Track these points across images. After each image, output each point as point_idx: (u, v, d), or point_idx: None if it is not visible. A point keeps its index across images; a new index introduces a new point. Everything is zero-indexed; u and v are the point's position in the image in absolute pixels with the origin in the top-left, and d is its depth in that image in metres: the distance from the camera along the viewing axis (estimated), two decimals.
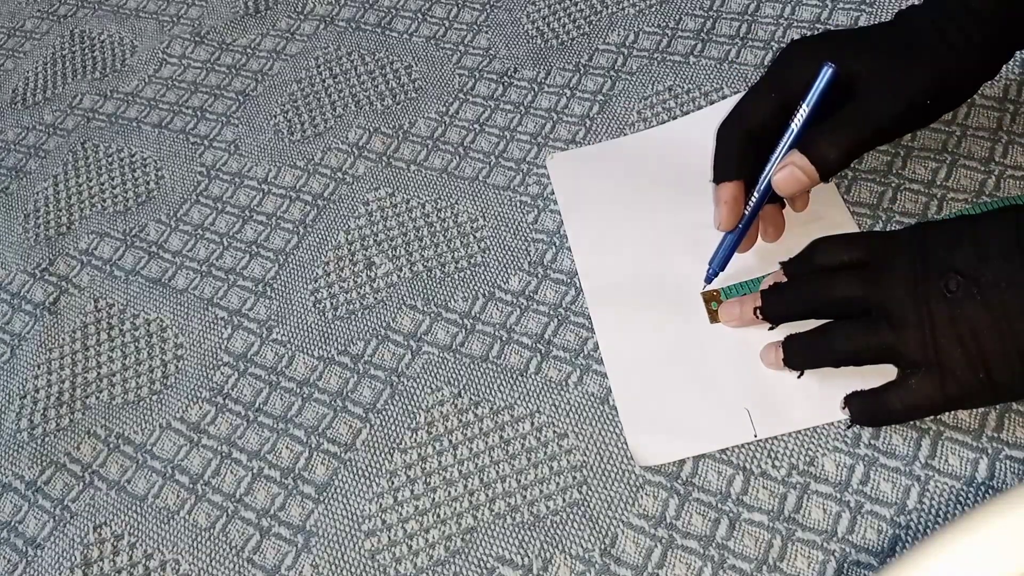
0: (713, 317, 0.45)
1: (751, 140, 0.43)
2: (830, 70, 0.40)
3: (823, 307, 0.39)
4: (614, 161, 0.53)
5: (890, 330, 0.36)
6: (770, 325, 0.42)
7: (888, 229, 0.46)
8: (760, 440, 0.40)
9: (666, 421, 0.42)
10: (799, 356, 0.40)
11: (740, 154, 0.43)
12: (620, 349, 0.45)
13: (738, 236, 0.44)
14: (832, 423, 0.40)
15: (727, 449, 0.41)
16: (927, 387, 0.36)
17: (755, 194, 0.43)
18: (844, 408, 0.39)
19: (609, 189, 0.51)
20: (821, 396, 0.41)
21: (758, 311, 0.41)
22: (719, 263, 0.44)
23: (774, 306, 0.41)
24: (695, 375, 0.43)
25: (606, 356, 0.45)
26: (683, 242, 0.47)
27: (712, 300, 0.45)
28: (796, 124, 0.41)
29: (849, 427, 0.40)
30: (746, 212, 0.43)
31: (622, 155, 0.53)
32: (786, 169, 0.40)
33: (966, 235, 0.36)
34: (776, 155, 0.42)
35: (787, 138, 0.41)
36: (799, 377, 0.41)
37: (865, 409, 0.38)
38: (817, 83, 0.40)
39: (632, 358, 0.44)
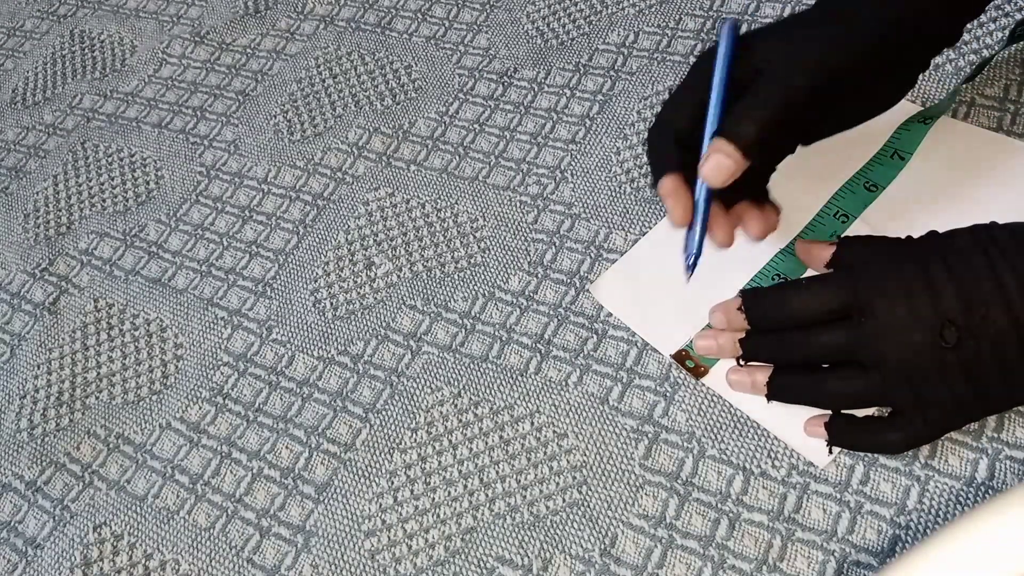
0: (696, 373, 0.43)
1: (680, 141, 0.41)
2: (727, 24, 0.40)
3: (808, 361, 0.39)
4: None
5: (884, 380, 0.36)
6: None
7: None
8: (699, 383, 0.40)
9: (641, 293, 0.46)
10: (787, 394, 0.39)
11: (671, 152, 0.41)
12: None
13: (701, 228, 0.40)
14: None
15: (727, 449, 0.41)
16: (927, 426, 0.36)
17: (700, 183, 0.40)
18: (812, 429, 0.39)
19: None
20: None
21: (740, 360, 0.40)
22: (692, 255, 0.41)
23: (755, 358, 0.40)
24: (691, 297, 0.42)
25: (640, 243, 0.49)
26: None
27: (686, 359, 0.44)
28: (714, 97, 0.39)
29: (830, 451, 0.39)
30: (698, 203, 0.40)
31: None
32: (711, 158, 0.39)
33: (946, 280, 0.35)
34: (704, 143, 0.40)
35: (710, 120, 0.40)
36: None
37: (859, 440, 0.38)
38: (720, 45, 0.39)
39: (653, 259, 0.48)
